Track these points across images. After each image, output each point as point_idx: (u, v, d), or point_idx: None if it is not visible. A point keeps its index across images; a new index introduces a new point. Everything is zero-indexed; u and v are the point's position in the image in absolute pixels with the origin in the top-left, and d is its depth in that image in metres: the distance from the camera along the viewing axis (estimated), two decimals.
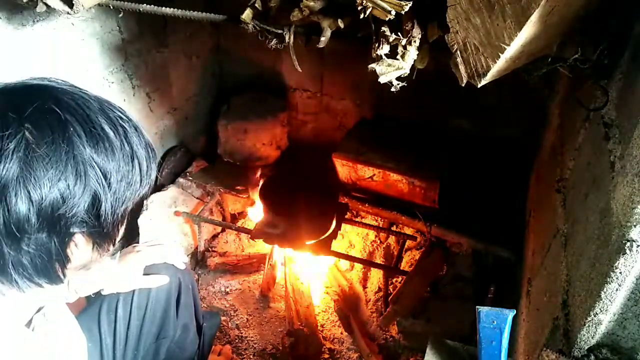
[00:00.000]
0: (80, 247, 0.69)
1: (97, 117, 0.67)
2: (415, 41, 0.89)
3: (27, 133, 0.61)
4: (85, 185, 0.64)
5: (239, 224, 2.24)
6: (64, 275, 0.70)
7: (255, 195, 2.09)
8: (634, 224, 0.71)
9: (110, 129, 0.68)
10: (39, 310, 0.81)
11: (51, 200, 0.62)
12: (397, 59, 0.91)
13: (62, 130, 0.63)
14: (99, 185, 0.66)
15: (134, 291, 1.19)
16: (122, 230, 0.76)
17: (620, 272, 0.74)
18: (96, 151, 0.65)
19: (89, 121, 0.66)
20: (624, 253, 0.72)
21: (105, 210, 0.68)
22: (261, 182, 1.99)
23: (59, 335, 0.88)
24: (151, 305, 1.20)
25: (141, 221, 1.91)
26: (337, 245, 2.03)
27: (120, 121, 0.70)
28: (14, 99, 0.64)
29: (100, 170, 0.66)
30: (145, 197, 0.81)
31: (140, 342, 1.20)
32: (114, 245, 0.75)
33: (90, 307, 1.16)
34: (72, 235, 0.67)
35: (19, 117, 0.62)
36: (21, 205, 0.60)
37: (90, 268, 0.76)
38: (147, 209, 1.95)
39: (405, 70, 0.93)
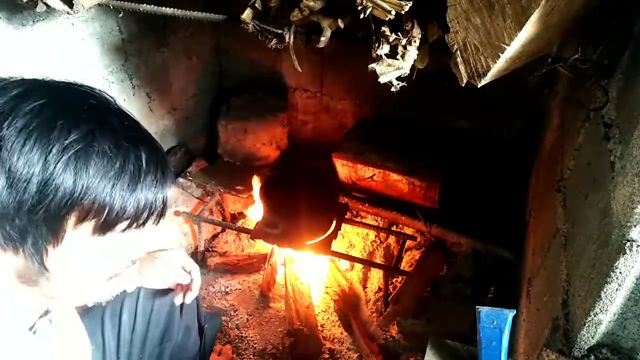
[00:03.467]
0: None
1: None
2: (415, 41, 0.89)
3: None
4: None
5: (239, 224, 2.24)
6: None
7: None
8: (634, 224, 0.71)
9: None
10: (45, 314, 0.80)
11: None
12: (397, 59, 0.91)
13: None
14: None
15: (138, 295, 1.19)
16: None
17: (620, 272, 0.74)
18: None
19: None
20: (624, 253, 0.72)
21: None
22: (258, 181, 1.99)
23: (63, 341, 0.88)
24: (156, 308, 1.21)
25: None
26: (337, 245, 2.03)
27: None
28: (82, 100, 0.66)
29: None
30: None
31: (145, 345, 1.20)
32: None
33: (93, 309, 1.15)
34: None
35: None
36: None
37: (116, 278, 0.75)
38: None
39: (405, 70, 0.93)
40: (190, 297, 1.23)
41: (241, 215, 2.29)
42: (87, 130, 0.63)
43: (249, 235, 1.96)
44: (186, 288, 1.24)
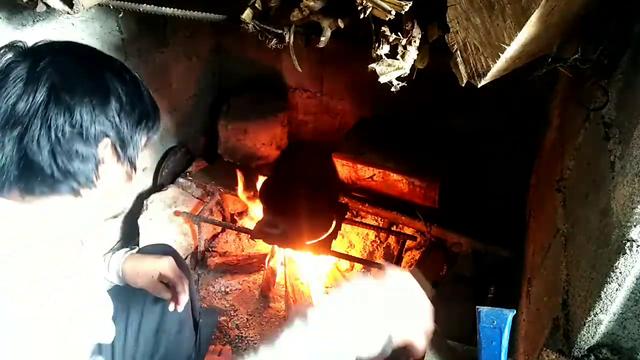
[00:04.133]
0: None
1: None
2: (415, 41, 0.89)
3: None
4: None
5: (239, 224, 2.24)
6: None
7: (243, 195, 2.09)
8: (634, 224, 0.71)
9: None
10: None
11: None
12: (397, 59, 0.91)
13: None
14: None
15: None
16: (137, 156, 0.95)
17: (620, 272, 0.74)
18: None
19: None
20: (624, 253, 0.72)
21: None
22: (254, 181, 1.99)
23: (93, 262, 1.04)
24: (149, 299, 1.22)
25: (141, 221, 1.91)
26: (337, 245, 2.03)
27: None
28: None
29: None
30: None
31: (139, 338, 1.22)
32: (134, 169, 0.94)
33: None
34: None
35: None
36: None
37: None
38: (147, 209, 1.95)
39: (405, 70, 0.93)
40: (179, 308, 1.23)
41: (241, 215, 2.28)
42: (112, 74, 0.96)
43: (249, 235, 1.96)
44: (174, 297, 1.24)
